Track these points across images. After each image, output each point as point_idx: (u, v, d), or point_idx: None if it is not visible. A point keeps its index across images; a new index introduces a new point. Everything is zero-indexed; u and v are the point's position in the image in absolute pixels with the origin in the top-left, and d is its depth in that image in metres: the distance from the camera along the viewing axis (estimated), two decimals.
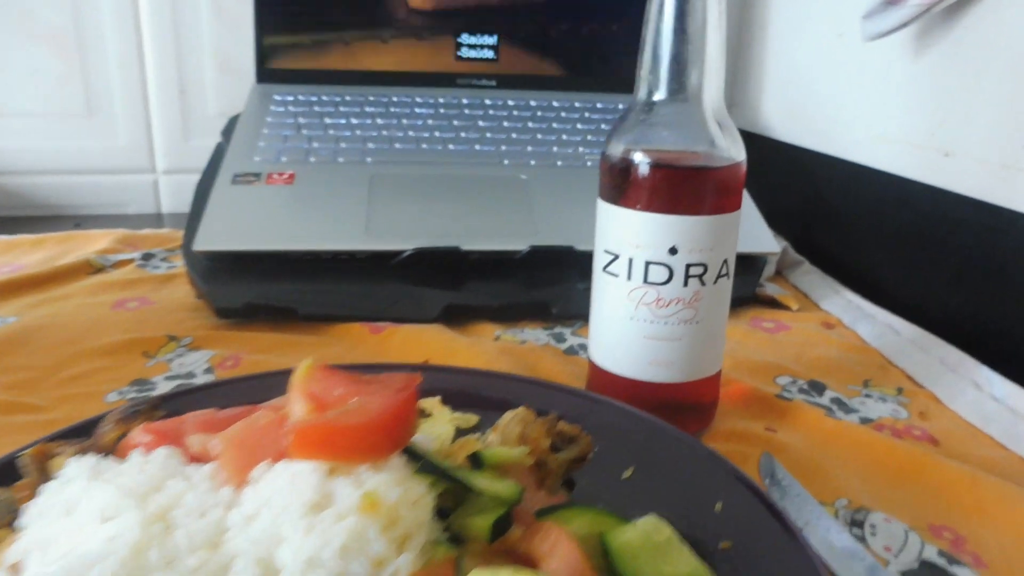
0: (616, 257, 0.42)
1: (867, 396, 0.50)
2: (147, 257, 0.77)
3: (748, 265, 0.64)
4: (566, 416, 0.37)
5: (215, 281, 0.59)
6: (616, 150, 0.41)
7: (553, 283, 0.61)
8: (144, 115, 0.93)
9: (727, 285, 0.42)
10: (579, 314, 0.60)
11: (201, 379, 0.52)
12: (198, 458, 0.28)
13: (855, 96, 0.71)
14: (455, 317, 0.59)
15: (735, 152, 0.41)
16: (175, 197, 0.97)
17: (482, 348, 0.52)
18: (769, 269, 0.69)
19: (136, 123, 0.93)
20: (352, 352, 0.55)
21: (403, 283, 0.60)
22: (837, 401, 0.49)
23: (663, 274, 0.41)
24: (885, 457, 0.42)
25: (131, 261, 0.76)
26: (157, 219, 0.98)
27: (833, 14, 0.74)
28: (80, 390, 0.50)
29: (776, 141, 0.84)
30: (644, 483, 0.36)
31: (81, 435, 0.36)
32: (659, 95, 0.40)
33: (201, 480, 0.26)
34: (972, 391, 0.49)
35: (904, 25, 0.57)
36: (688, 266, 0.40)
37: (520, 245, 0.61)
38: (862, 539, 0.36)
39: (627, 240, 0.41)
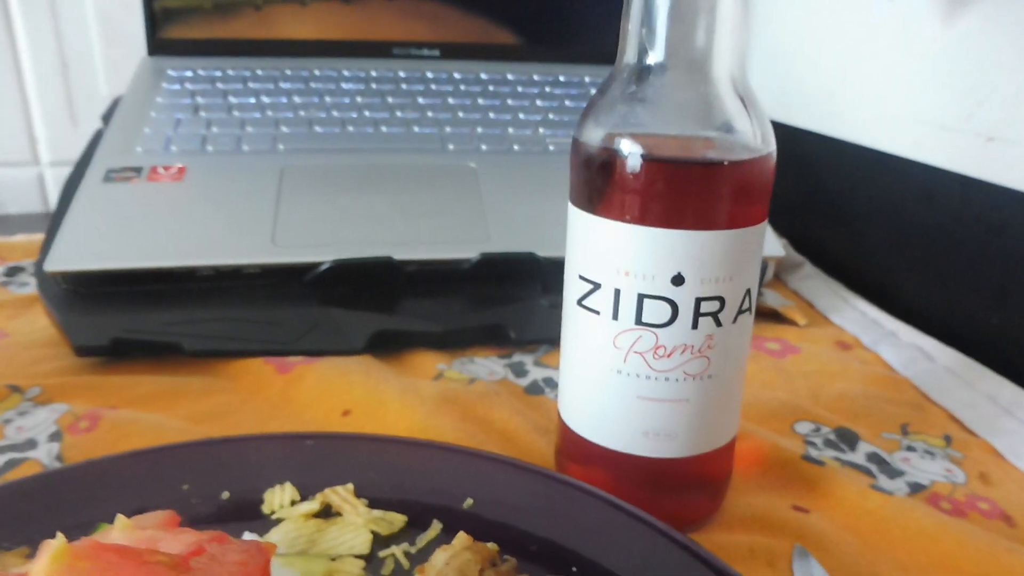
0: (596, 287, 0.30)
1: (910, 449, 0.40)
2: (12, 272, 0.63)
3: None
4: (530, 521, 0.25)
5: (74, 311, 0.46)
6: (594, 136, 0.29)
7: (510, 300, 0.49)
8: (20, 96, 0.78)
9: (748, 323, 0.31)
10: (543, 337, 0.48)
11: (42, 450, 0.38)
12: None
13: (863, 68, 0.60)
14: (388, 346, 0.46)
15: (763, 139, 0.29)
16: None
17: (418, 396, 0.40)
18: (768, 274, 0.58)
19: (10, 106, 0.78)
20: (253, 399, 0.42)
21: (320, 305, 0.47)
22: (875, 458, 0.38)
23: (664, 312, 0.29)
24: (951, 551, 0.31)
25: None
26: (44, 220, 0.83)
27: None
28: None
29: None
30: None
31: None
32: (655, 56, 0.28)
33: None
34: None
35: None
36: (699, 301, 0.29)
37: (469, 253, 0.49)
38: None
39: (612, 265, 0.29)
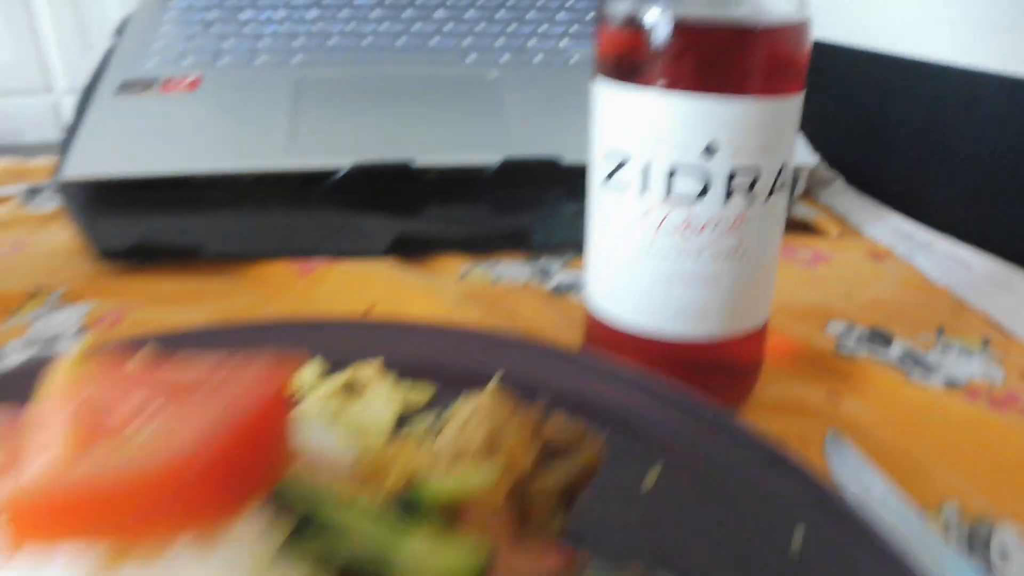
0: (624, 162, 0.29)
1: (946, 348, 0.38)
2: (32, 192, 0.62)
3: None
4: (558, 399, 0.25)
5: (97, 217, 0.45)
6: (621, 3, 0.28)
7: (533, 205, 0.48)
8: (31, 24, 0.76)
9: (782, 203, 0.30)
10: (567, 243, 0.47)
11: (65, 344, 0.38)
12: None
13: None
14: (410, 250, 0.46)
15: (799, 5, 0.27)
16: None
17: (442, 291, 0.39)
18: (799, 187, 0.56)
19: (22, 34, 0.77)
20: (275, 299, 0.42)
21: (341, 210, 0.46)
22: (910, 356, 0.37)
23: (695, 185, 0.28)
24: (994, 440, 0.31)
25: (11, 198, 0.62)
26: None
27: None
28: None
29: None
30: (676, 499, 0.24)
31: None
32: None
33: None
34: None
35: None
36: (732, 174, 0.28)
37: (490, 158, 0.47)
38: (989, 568, 0.25)
39: (642, 136, 0.28)
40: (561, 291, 0.43)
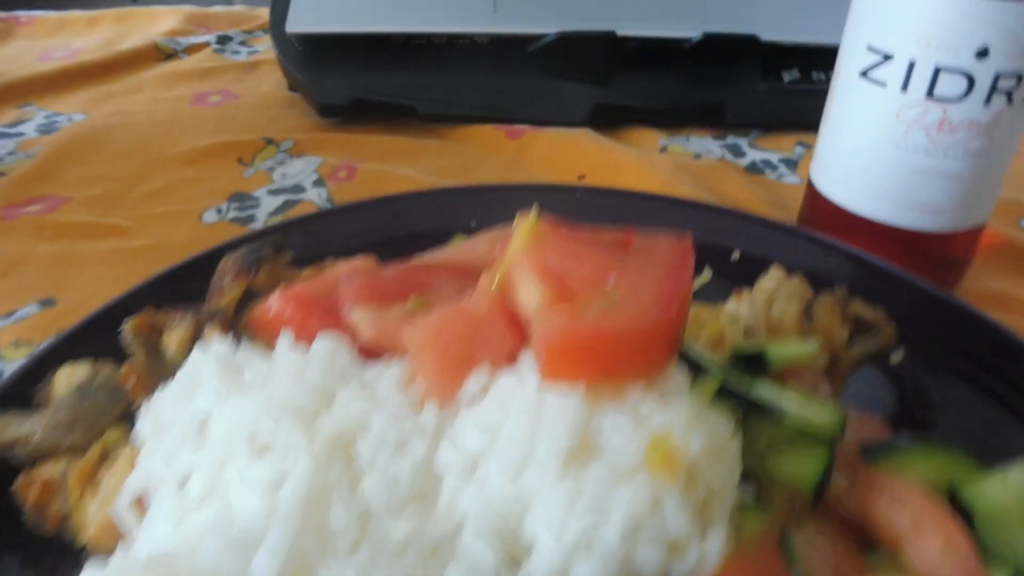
0: (887, 58, 0.30)
1: None
2: (223, 40, 0.66)
3: None
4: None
5: (315, 72, 0.49)
6: None
7: (728, 80, 0.49)
8: None
9: None
10: (760, 120, 0.48)
11: (311, 193, 0.43)
12: (370, 349, 0.20)
13: None
14: (607, 120, 0.48)
15: None
16: None
17: (651, 162, 0.42)
18: None
19: None
20: (488, 160, 0.45)
21: (543, 76, 0.48)
22: None
23: (959, 86, 0.29)
24: None
25: (206, 45, 0.65)
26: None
27: None
28: (169, 207, 0.42)
29: None
30: (923, 374, 0.27)
31: (187, 277, 0.29)
32: None
33: (388, 393, 0.18)
34: None
35: None
36: (998, 77, 0.29)
37: (690, 31, 0.48)
38: None
39: (912, 34, 0.29)
40: (756, 170, 0.45)
